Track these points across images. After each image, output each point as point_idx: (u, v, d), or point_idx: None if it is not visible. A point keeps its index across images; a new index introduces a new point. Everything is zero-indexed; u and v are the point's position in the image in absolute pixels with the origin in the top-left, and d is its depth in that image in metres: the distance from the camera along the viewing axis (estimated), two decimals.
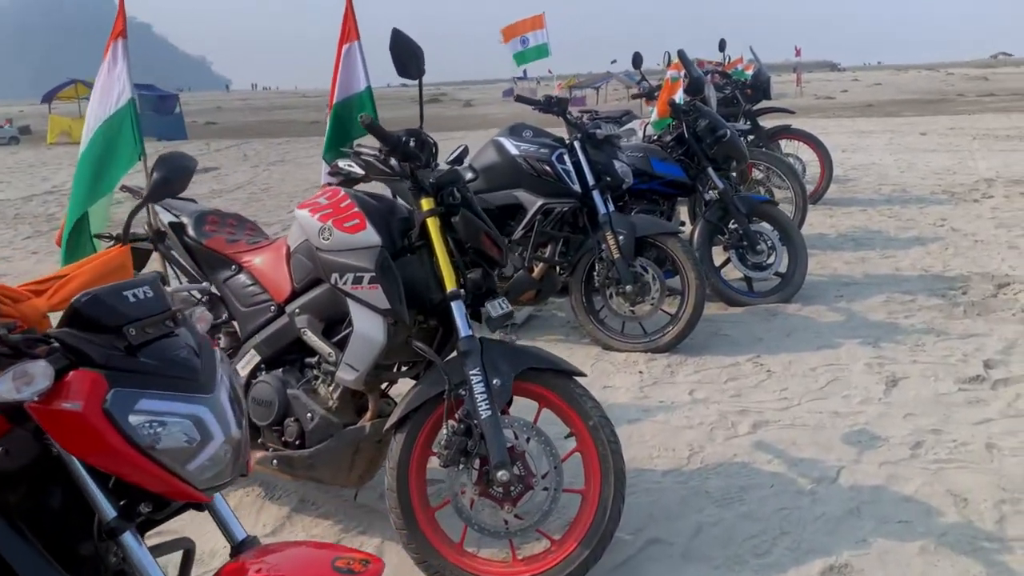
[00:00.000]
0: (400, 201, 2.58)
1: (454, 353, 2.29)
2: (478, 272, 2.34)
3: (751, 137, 7.33)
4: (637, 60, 5.64)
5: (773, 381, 3.57)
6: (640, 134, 5.53)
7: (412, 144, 2.39)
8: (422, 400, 2.28)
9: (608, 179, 4.08)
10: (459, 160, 2.83)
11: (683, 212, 5.78)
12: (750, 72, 7.59)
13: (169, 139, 23.91)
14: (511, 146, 4.12)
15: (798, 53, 49.51)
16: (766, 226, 4.76)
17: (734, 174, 6.24)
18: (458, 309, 2.28)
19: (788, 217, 4.89)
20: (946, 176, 9.04)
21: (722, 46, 7.56)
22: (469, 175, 4.38)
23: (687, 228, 5.26)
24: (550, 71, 15.15)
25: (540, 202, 4.08)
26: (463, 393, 2.23)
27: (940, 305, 4.48)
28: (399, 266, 2.36)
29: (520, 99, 4.20)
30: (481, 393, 2.19)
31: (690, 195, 5.06)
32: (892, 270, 5.25)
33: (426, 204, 2.35)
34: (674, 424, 3.21)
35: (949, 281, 4.92)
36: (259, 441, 2.60)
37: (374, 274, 2.27)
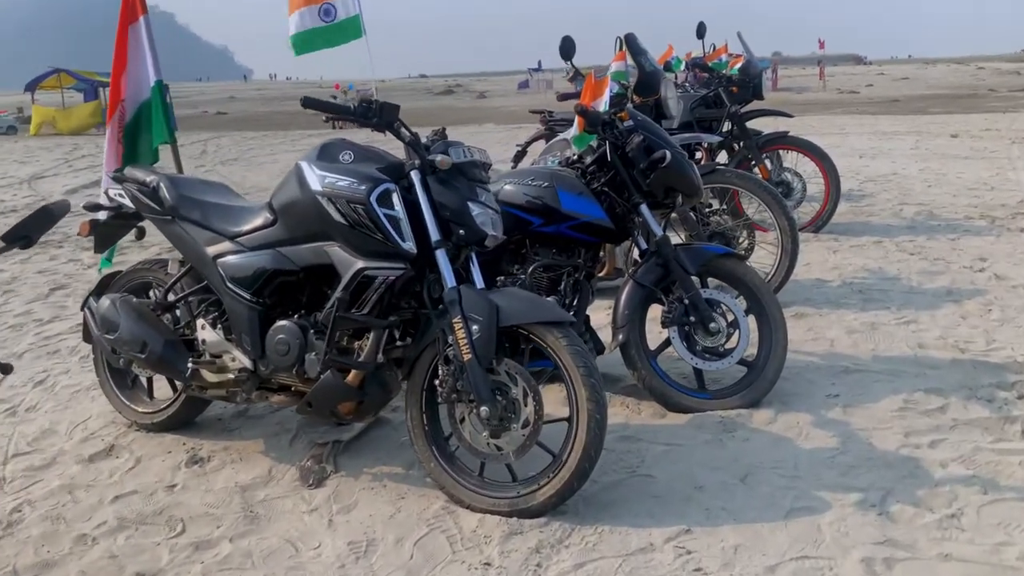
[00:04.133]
0: None
1: None
2: None
3: (740, 144, 5.82)
4: (566, 48, 4.10)
5: None
6: (571, 149, 4.05)
7: None
8: None
9: (461, 232, 2.60)
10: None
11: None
12: (737, 67, 6.04)
13: None
14: (314, 177, 2.64)
15: (822, 46, 47.63)
16: (727, 291, 3.27)
17: (718, 205, 4.75)
18: None
19: (760, 277, 3.35)
20: (983, 193, 7.46)
21: (701, 32, 6.00)
22: (262, 218, 2.95)
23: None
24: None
25: (358, 265, 2.61)
26: None
27: (984, 419, 2.96)
28: None
29: (309, 103, 2.69)
30: None
31: (618, 243, 3.56)
32: (913, 347, 3.72)
33: None
34: None
35: (995, 371, 3.39)
36: None
37: None
